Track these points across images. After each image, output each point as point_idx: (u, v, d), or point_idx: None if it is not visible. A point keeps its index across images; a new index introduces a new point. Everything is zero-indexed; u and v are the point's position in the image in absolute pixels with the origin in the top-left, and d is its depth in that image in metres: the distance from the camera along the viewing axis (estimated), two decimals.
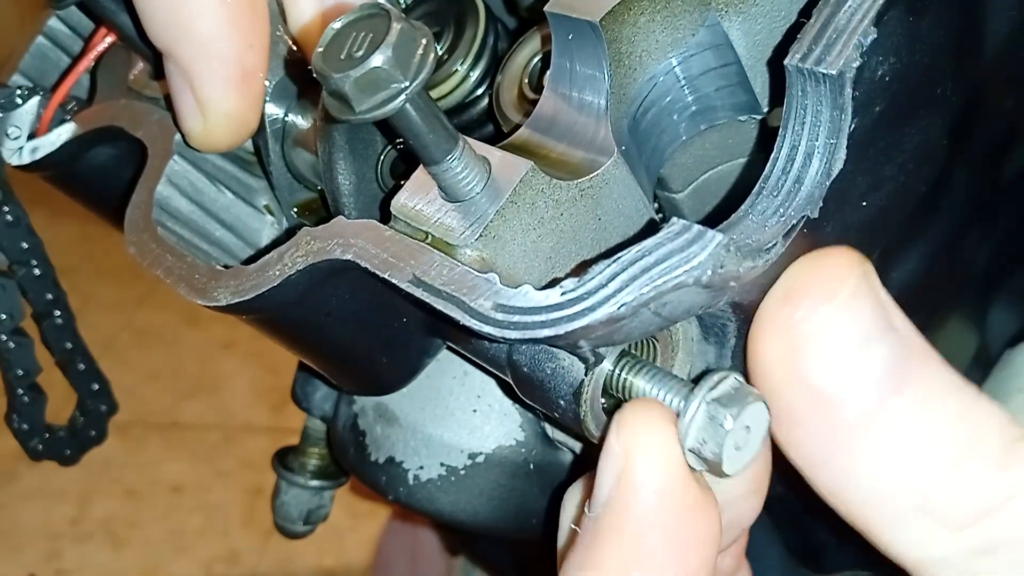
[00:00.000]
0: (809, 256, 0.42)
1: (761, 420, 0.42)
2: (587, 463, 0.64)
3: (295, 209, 0.64)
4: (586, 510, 0.43)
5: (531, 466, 0.64)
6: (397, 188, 0.50)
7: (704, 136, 0.55)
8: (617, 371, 0.45)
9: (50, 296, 0.75)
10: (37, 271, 0.73)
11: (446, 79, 0.61)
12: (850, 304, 0.41)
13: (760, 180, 0.45)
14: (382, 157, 0.58)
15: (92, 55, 0.68)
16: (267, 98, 0.59)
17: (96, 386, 0.80)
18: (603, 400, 0.46)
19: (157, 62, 0.64)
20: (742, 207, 0.44)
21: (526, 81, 0.58)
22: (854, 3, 0.43)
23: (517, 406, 0.63)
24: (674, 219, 0.41)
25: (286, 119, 0.61)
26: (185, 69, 0.54)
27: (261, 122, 0.59)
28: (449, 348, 0.60)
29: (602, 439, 0.43)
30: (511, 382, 0.49)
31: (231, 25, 0.52)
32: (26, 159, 0.67)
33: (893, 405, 0.40)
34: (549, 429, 0.63)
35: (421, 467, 0.63)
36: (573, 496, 0.50)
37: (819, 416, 0.41)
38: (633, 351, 0.47)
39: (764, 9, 0.51)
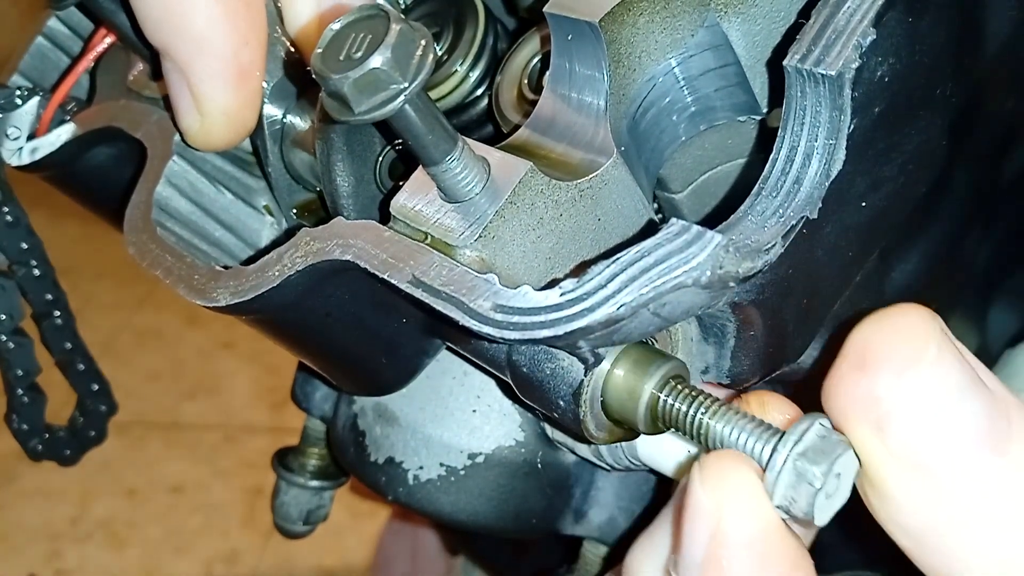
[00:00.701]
0: (877, 317, 0.39)
1: (851, 466, 0.39)
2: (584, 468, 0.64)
3: (294, 210, 0.64)
4: (671, 571, 0.41)
5: (531, 466, 0.64)
6: (396, 189, 0.50)
7: (703, 137, 0.55)
8: (685, 408, 0.43)
9: (50, 296, 0.75)
10: (37, 271, 0.73)
11: (445, 80, 0.61)
12: (936, 366, 0.37)
13: (759, 181, 0.45)
14: (380, 159, 0.58)
15: (92, 55, 0.68)
16: (265, 99, 0.59)
17: (96, 386, 0.80)
18: (602, 399, 0.46)
19: (156, 62, 0.64)
20: (741, 208, 0.44)
21: (525, 82, 0.58)
22: (853, 4, 0.43)
23: (517, 406, 0.63)
24: (673, 220, 0.41)
25: (284, 120, 0.61)
26: (181, 67, 0.53)
27: (259, 123, 0.59)
28: (449, 348, 0.60)
29: (666, 483, 0.42)
30: (510, 382, 0.49)
31: (226, 22, 0.51)
32: (26, 159, 0.67)
33: (998, 468, 0.37)
34: (549, 429, 0.63)
35: (421, 467, 0.63)
36: (645, 554, 0.46)
37: (919, 490, 0.38)
38: (686, 381, 0.44)
39: (763, 10, 0.51)
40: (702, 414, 0.42)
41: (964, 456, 0.37)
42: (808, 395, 0.65)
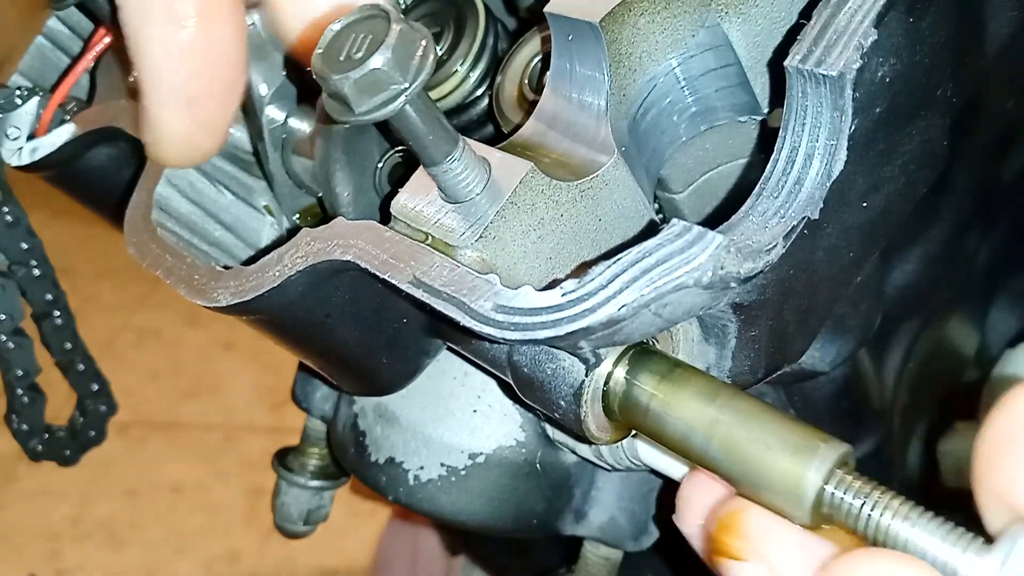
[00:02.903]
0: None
1: None
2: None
3: (297, 215, 0.64)
4: None
5: (532, 466, 0.64)
6: (395, 194, 0.50)
7: (704, 137, 0.55)
8: (858, 503, 0.38)
9: (50, 296, 0.75)
10: (37, 271, 0.73)
11: (446, 80, 0.61)
12: None
13: (760, 181, 0.45)
14: (380, 166, 0.58)
15: (91, 55, 0.68)
16: (266, 102, 0.59)
17: (96, 386, 0.80)
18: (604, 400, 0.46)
19: None
20: (742, 208, 0.44)
21: (526, 82, 0.58)
22: (854, 4, 0.43)
23: (517, 406, 0.63)
24: (674, 220, 0.41)
25: (287, 124, 0.61)
26: (140, 84, 0.55)
27: (260, 129, 0.60)
28: (449, 349, 0.60)
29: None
30: (511, 383, 0.49)
31: (180, 56, 0.53)
32: (26, 159, 0.67)
33: None
34: (550, 429, 0.63)
35: (421, 467, 0.63)
36: None
37: None
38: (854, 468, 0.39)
39: (764, 10, 0.51)
40: (880, 512, 0.38)
41: None
42: (808, 399, 0.65)
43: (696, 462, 0.43)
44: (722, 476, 0.42)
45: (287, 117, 0.61)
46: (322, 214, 0.64)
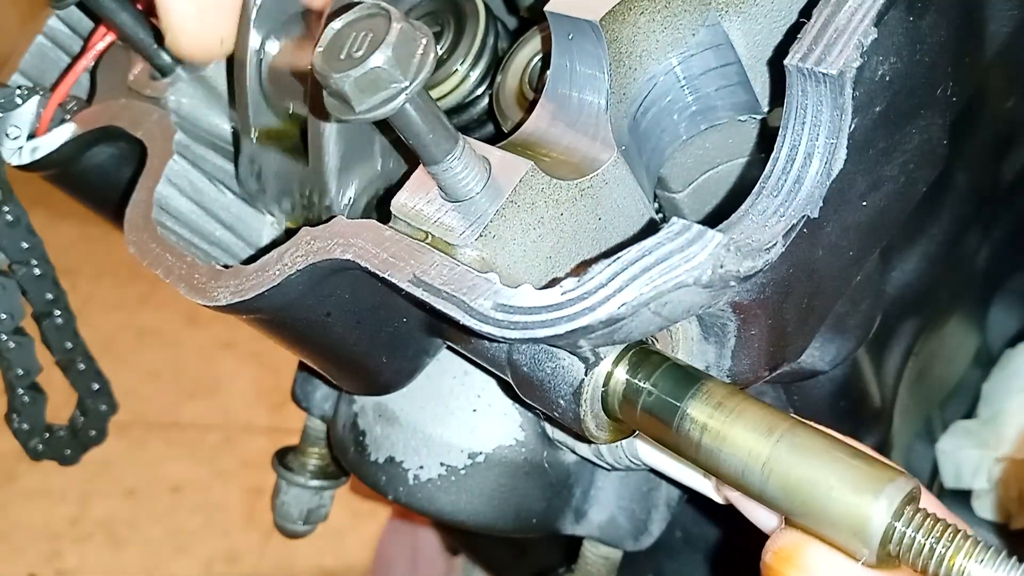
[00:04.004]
0: None
1: None
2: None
3: (258, 133, 0.64)
4: None
5: (531, 466, 0.64)
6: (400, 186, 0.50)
7: (704, 136, 0.55)
8: (927, 541, 0.37)
9: (50, 296, 0.75)
10: (37, 271, 0.73)
11: (446, 79, 0.61)
12: None
13: (760, 180, 0.45)
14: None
15: (92, 54, 0.68)
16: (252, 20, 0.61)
17: (96, 386, 0.80)
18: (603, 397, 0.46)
19: (156, 62, 0.64)
20: (742, 207, 0.44)
21: (526, 81, 0.58)
22: (854, 3, 0.43)
23: (517, 406, 0.63)
24: (674, 219, 0.41)
25: (266, 41, 0.62)
26: None
27: (243, 44, 0.62)
28: (449, 348, 0.60)
29: None
30: (511, 382, 0.49)
31: None
32: (26, 159, 0.67)
33: None
34: (549, 429, 0.63)
35: (421, 467, 0.63)
36: None
37: None
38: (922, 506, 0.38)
39: (764, 9, 0.51)
40: (951, 552, 0.36)
41: None
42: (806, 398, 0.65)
43: (753, 497, 0.41)
44: (781, 511, 0.40)
45: (267, 36, 0.62)
46: (287, 138, 0.64)
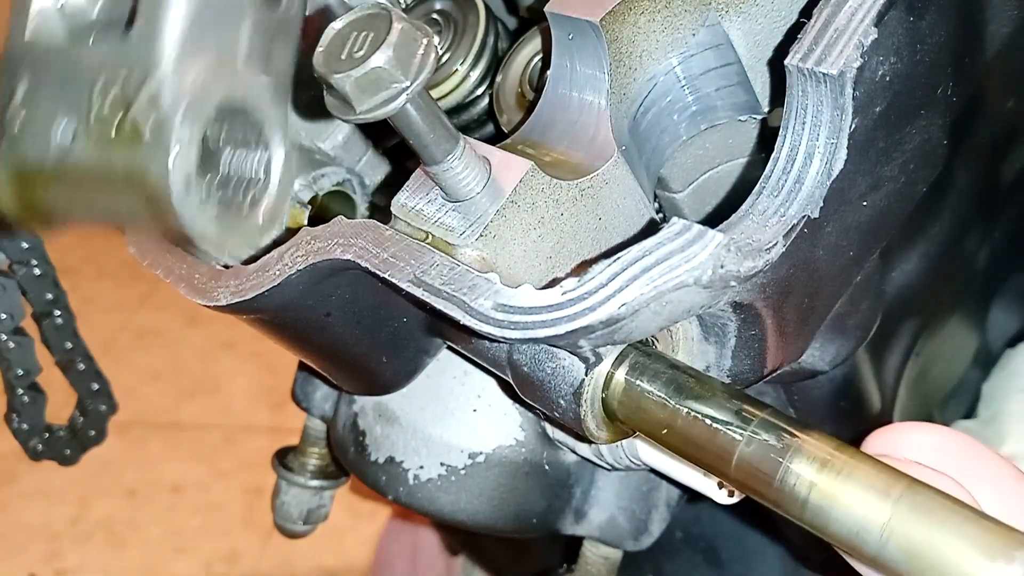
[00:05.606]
0: None
1: None
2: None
3: None
4: None
5: (531, 466, 0.64)
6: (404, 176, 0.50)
7: (704, 136, 0.55)
8: None
9: (50, 296, 0.75)
10: (37, 271, 0.73)
11: (446, 79, 0.61)
12: None
13: (760, 180, 0.45)
14: None
15: None
16: None
17: (96, 386, 0.80)
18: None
19: None
20: (742, 207, 0.44)
21: (526, 81, 0.59)
22: (855, 3, 0.43)
23: (517, 406, 0.63)
24: (674, 219, 0.41)
25: None
26: None
27: None
28: (449, 348, 0.60)
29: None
30: (511, 382, 0.49)
31: None
32: None
33: None
34: (549, 429, 0.63)
35: (421, 467, 0.63)
36: None
37: None
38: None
39: (764, 9, 0.51)
40: None
41: None
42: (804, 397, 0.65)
43: (866, 563, 0.38)
44: None
45: None
46: None
